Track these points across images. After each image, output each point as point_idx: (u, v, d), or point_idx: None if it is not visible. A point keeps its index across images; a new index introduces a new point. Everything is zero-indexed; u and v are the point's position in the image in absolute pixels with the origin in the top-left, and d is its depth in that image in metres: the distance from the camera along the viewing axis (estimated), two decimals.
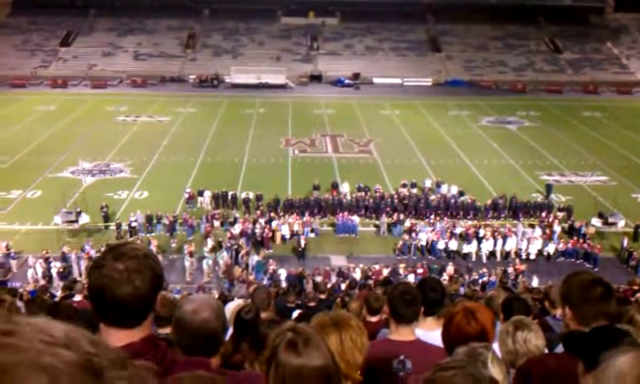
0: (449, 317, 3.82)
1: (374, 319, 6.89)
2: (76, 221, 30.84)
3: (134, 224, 30.88)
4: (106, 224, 31.55)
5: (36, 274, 25.90)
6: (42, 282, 24.43)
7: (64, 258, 27.41)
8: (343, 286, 20.52)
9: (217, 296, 16.29)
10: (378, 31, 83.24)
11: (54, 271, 26.21)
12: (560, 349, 4.46)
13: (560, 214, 33.48)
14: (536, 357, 4.01)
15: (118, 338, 2.37)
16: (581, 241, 30.59)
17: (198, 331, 2.93)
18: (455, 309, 3.84)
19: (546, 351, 4.28)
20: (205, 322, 2.94)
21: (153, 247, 26.91)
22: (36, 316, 0.85)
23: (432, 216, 33.10)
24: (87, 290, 2.61)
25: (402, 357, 3.79)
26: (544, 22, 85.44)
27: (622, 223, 32.34)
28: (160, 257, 25.83)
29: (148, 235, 30.29)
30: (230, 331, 5.06)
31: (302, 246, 29.63)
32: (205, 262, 27.84)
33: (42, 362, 0.71)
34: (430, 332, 4.35)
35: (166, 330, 4.87)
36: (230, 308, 6.51)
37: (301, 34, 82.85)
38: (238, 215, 32.65)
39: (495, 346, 4.02)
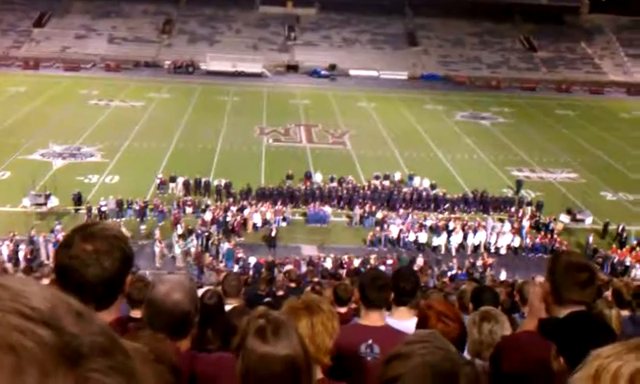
0: (421, 318, 3.82)
1: (342, 310, 6.91)
2: (45, 204, 30.41)
3: (104, 208, 30.55)
4: (76, 208, 31.16)
5: (1, 255, 25.44)
6: (8, 265, 24.06)
7: (31, 241, 27.02)
8: (315, 279, 20.54)
9: None
10: (355, 23, 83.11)
11: (20, 254, 25.81)
12: None
13: (529, 210, 33.92)
14: (506, 336, 4.02)
15: None
16: (548, 236, 31.03)
17: (170, 312, 2.87)
18: (426, 311, 3.83)
19: None
20: (177, 304, 2.89)
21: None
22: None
23: (402, 208, 33.25)
24: (54, 271, 2.56)
25: (370, 341, 3.82)
26: (520, 20, 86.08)
27: (589, 220, 32.89)
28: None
29: (118, 220, 30.00)
30: None
31: (273, 234, 29.60)
32: (175, 248, 27.70)
33: (10, 340, 0.60)
34: (402, 321, 4.36)
35: (139, 313, 4.83)
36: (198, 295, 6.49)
37: (278, 24, 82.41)
38: (209, 202, 32.48)
39: None
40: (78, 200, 31.52)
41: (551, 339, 2.85)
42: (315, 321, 3.01)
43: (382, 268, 24.51)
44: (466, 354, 4.05)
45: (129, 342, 0.80)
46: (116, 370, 0.68)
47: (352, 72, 72.83)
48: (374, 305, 4.19)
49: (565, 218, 32.76)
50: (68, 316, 0.68)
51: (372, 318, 4.19)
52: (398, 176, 37.07)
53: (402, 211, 32.87)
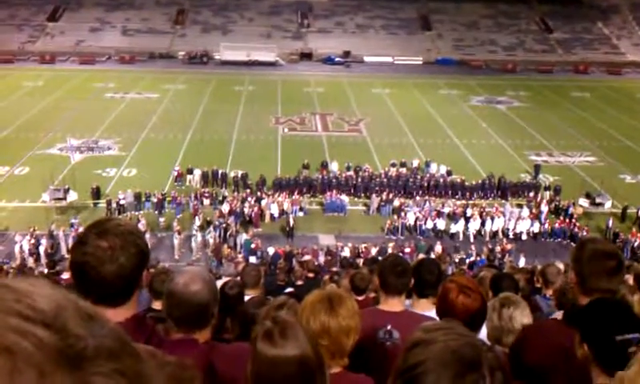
0: (442, 293, 3.79)
1: (359, 298, 6.91)
2: (64, 198, 30.67)
3: (122, 202, 30.76)
4: (95, 201, 31.38)
5: (22, 251, 25.74)
6: (31, 260, 24.38)
7: (52, 236, 27.28)
8: (334, 268, 20.55)
9: None
10: (369, 9, 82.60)
11: (41, 249, 26.07)
12: None
13: (547, 194, 33.66)
14: (529, 325, 3.98)
15: None
16: (567, 221, 30.77)
17: (189, 303, 2.89)
18: (447, 284, 3.80)
19: None
20: (196, 294, 2.91)
21: (142, 225, 26.81)
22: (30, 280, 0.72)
23: (419, 195, 33.11)
24: (70, 267, 2.56)
25: (389, 327, 3.79)
26: (535, 1, 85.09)
27: (608, 204, 32.56)
28: (148, 235, 25.83)
29: (136, 213, 30.18)
30: None
31: (291, 224, 29.63)
32: (193, 239, 27.85)
33: (6, 342, 0.58)
34: (423, 312, 4.34)
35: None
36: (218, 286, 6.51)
37: (292, 11, 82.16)
38: (226, 194, 32.56)
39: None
40: (97, 194, 31.76)
41: (575, 327, 2.81)
42: (333, 321, 2.99)
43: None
44: (485, 339, 4.03)
45: (143, 346, 0.79)
46: (122, 373, 0.66)
47: (366, 58, 72.46)
48: (394, 291, 4.18)
49: (584, 202, 32.48)
50: (75, 318, 0.66)
51: (392, 304, 4.17)
52: (415, 163, 36.93)
53: (418, 198, 32.76)
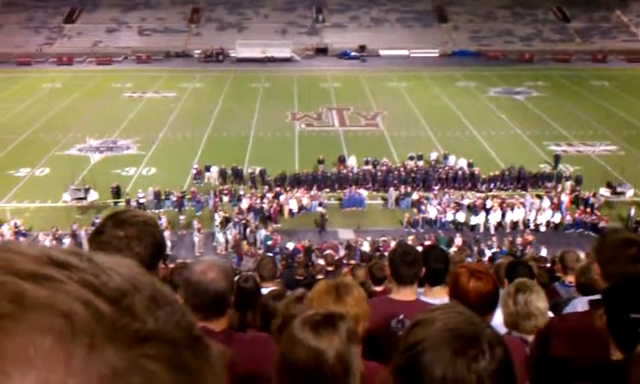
0: (453, 279, 3.79)
1: (378, 288, 6.93)
2: (84, 198, 30.98)
3: (142, 200, 30.99)
4: (115, 200, 31.66)
5: None
6: None
7: (74, 235, 27.58)
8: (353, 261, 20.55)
9: None
10: (384, 2, 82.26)
11: None
12: (569, 310, 4.45)
13: (568, 184, 33.36)
14: (555, 317, 3.97)
15: None
16: (588, 211, 30.48)
17: (206, 291, 2.93)
18: (457, 269, 3.81)
19: (550, 314, 4.26)
20: (213, 282, 2.95)
21: (162, 223, 27.01)
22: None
23: (437, 188, 32.97)
24: None
25: (401, 316, 3.80)
26: None
27: (630, 193, 32.19)
28: (169, 232, 26.02)
29: (157, 211, 30.40)
30: None
31: (326, 217, 30.02)
32: (215, 236, 28.05)
33: (66, 307, 0.59)
34: (436, 300, 4.34)
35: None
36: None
37: (306, 6, 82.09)
38: (242, 192, 32.60)
39: (498, 311, 4.03)
40: (117, 193, 32.02)
41: (605, 301, 2.83)
42: (339, 308, 3.01)
43: (420, 249, 24.39)
44: (501, 325, 4.02)
45: (217, 345, 0.78)
46: (174, 363, 0.65)
47: (382, 52, 72.23)
48: (405, 280, 4.17)
49: (605, 192, 32.14)
50: (145, 300, 0.66)
51: (404, 294, 4.17)
52: (434, 156, 36.76)
53: (436, 191, 32.61)
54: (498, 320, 4.00)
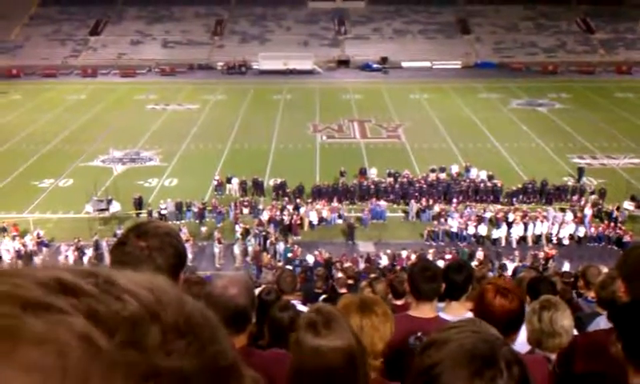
0: (479, 295, 3.73)
1: (399, 302, 6.89)
2: (107, 209, 31.25)
3: (163, 212, 31.18)
4: (137, 212, 31.88)
5: (67, 261, 26.28)
6: None
7: (96, 246, 27.80)
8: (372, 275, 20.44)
9: None
10: (406, 13, 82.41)
11: (85, 259, 26.60)
12: (593, 328, 4.39)
13: (591, 198, 32.96)
14: (578, 335, 3.91)
15: None
16: (612, 225, 30.06)
17: (227, 307, 2.92)
18: (484, 286, 3.76)
19: (575, 332, 4.20)
20: (233, 298, 2.95)
21: (183, 234, 27.14)
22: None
23: (458, 201, 32.71)
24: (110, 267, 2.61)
25: (419, 333, 3.76)
26: (575, 2, 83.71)
27: None
28: (190, 244, 26.13)
29: (178, 222, 30.56)
30: None
31: (355, 226, 30.25)
32: (235, 248, 28.10)
33: (61, 341, 0.53)
34: (456, 318, 4.27)
35: None
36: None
37: (328, 19, 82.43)
38: (261, 205, 32.56)
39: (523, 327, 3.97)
40: (139, 204, 32.26)
41: (615, 324, 2.77)
42: (365, 322, 2.99)
43: (441, 263, 24.24)
44: (525, 342, 3.96)
45: (252, 372, 0.70)
46: None
47: (404, 64, 72.17)
48: (425, 296, 4.12)
49: (629, 206, 31.70)
50: (161, 331, 0.59)
51: (423, 310, 4.13)
52: (455, 168, 36.53)
53: (455, 203, 32.34)
54: (522, 337, 3.94)
